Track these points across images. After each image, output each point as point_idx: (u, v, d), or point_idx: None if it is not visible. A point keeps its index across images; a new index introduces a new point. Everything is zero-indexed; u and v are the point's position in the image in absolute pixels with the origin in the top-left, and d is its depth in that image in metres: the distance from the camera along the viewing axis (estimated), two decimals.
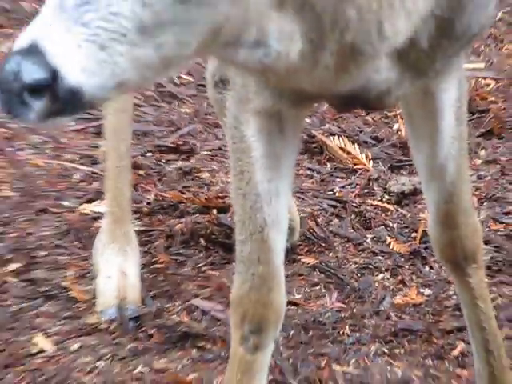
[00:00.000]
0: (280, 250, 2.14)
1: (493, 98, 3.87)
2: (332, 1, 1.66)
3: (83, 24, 1.39)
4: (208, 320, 2.89)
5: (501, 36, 4.32)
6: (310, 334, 2.86)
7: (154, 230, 3.29)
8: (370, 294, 3.01)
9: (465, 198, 2.26)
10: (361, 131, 3.77)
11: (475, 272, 2.32)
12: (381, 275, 3.12)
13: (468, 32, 1.88)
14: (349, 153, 3.65)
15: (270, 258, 2.11)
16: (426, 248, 3.12)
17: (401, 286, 3.06)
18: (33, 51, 1.39)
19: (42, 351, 2.78)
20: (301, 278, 3.09)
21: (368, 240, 3.27)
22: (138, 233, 3.11)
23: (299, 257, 3.17)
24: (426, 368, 2.73)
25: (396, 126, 3.94)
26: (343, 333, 2.86)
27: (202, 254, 3.18)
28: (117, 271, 2.95)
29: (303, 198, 3.44)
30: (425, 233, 3.12)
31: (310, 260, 3.15)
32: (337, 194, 3.50)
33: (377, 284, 3.07)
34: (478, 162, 3.62)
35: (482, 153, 3.68)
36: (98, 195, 3.38)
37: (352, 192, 3.51)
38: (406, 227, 3.33)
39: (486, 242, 3.10)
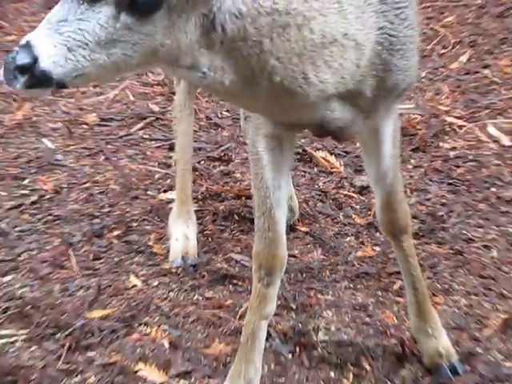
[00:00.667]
0: (283, 223, 2.12)
1: (419, 127, 3.82)
2: (255, 51, 1.51)
3: (60, 33, 1.39)
4: (239, 266, 2.89)
5: (424, 87, 4.27)
6: (304, 275, 2.86)
7: (205, 209, 3.25)
8: (341, 250, 2.99)
9: (399, 192, 2.23)
10: (336, 147, 3.75)
11: (406, 239, 2.30)
12: (348, 238, 3.08)
13: (398, 86, 1.83)
14: (328, 161, 3.60)
15: (275, 227, 2.09)
16: (376, 221, 3.08)
17: (361, 245, 3.03)
18: (26, 45, 1.40)
19: (134, 286, 2.79)
20: (298, 239, 3.06)
21: (340, 216, 3.21)
22: (195, 211, 3.09)
23: (297, 226, 3.13)
24: (377, 297, 2.73)
25: (358, 144, 3.88)
26: (325, 275, 2.85)
27: (235, 225, 3.16)
28: (182, 235, 2.94)
29: (299, 190, 3.41)
30: None
31: (303, 229, 3.12)
32: (321, 187, 3.46)
33: (346, 244, 3.04)
34: (410, 166, 3.54)
35: (412, 161, 3.60)
36: (170, 187, 3.37)
37: (330, 186, 3.46)
38: (364, 208, 3.27)
39: (415, 218, 3.09)
